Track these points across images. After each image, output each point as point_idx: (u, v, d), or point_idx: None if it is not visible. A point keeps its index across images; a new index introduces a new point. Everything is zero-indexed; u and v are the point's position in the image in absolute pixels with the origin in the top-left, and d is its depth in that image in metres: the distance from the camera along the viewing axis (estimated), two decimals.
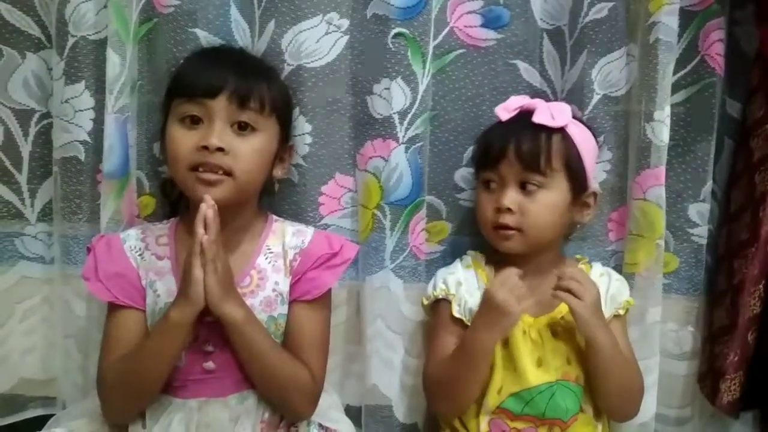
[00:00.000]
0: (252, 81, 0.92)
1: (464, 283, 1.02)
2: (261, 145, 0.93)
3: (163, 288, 0.93)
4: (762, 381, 1.06)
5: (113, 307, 0.94)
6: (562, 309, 0.98)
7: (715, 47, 1.06)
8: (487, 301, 0.93)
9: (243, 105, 0.91)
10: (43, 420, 1.02)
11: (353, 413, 1.09)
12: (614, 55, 1.07)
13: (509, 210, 0.97)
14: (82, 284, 0.95)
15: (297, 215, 1.06)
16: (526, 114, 0.99)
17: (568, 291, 0.93)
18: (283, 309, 0.95)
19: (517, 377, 0.96)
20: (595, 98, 1.07)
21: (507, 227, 0.97)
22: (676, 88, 1.07)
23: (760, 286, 1.04)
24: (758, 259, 1.03)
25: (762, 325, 1.05)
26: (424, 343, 1.09)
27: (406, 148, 1.05)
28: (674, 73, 1.05)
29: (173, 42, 1.04)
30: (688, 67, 1.08)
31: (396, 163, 1.04)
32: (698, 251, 1.11)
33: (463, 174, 1.11)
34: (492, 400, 0.97)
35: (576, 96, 1.08)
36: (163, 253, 0.96)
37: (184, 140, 0.90)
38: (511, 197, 0.97)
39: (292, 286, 0.96)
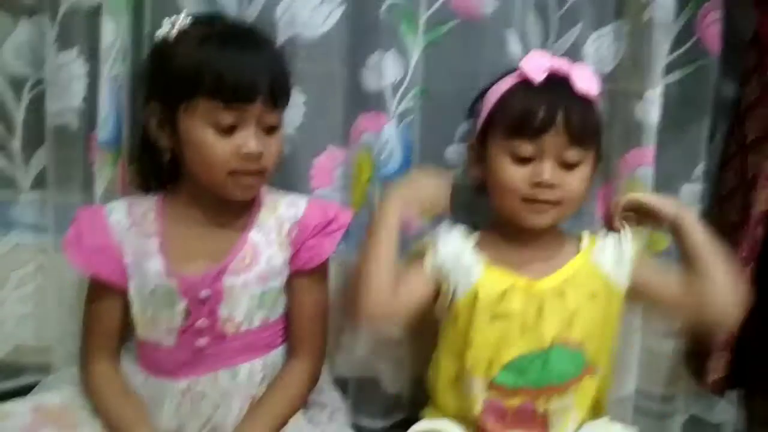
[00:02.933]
0: (281, 78, 0.90)
1: (444, 239, 0.95)
2: (281, 139, 0.94)
3: (153, 268, 0.91)
4: (748, 360, 1.07)
5: (94, 284, 0.93)
6: (561, 273, 0.93)
7: (711, 28, 1.05)
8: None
9: (274, 107, 0.89)
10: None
11: (341, 384, 1.10)
12: (604, 30, 1.06)
13: (551, 186, 0.88)
14: None
15: (287, 188, 1.05)
16: (556, 77, 0.90)
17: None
18: (276, 282, 0.95)
19: (508, 346, 0.90)
20: None
21: (546, 202, 0.90)
22: (671, 68, 1.06)
23: (749, 268, 1.04)
24: (748, 241, 1.04)
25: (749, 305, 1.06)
26: None
27: (398, 123, 1.05)
28: (670, 53, 1.04)
29: (151, 8, 1.01)
30: (684, 48, 1.07)
31: (387, 137, 1.04)
32: None
33: (456, 150, 1.08)
34: (481, 374, 0.91)
35: None
36: (151, 229, 0.93)
37: (221, 147, 0.87)
38: (555, 171, 0.88)
39: (293, 257, 0.95)
